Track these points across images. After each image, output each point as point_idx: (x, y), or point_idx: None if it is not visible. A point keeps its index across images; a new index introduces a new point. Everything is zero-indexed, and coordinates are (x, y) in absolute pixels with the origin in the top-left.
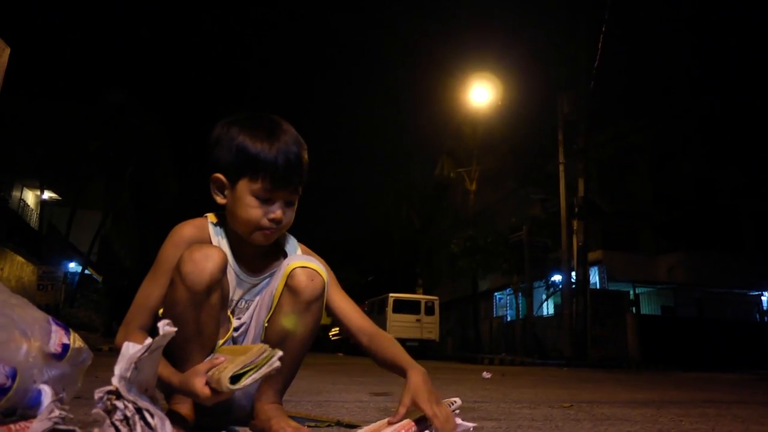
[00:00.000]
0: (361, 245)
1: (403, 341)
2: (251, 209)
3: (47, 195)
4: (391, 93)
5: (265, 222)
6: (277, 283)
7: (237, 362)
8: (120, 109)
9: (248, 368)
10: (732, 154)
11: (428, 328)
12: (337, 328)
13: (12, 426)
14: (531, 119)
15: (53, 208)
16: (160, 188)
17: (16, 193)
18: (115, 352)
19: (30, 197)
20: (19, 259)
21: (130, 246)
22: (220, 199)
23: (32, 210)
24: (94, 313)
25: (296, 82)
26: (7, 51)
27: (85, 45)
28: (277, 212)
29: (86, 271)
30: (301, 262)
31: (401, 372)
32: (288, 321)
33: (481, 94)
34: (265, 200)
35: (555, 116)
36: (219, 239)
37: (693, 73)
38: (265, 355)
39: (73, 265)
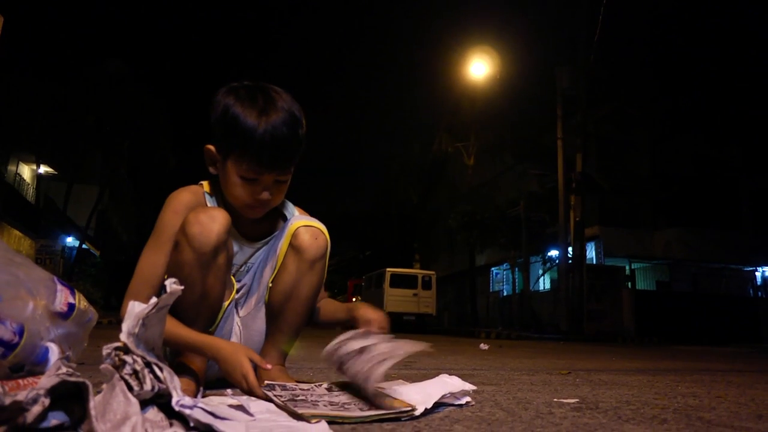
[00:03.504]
0: (358, 220)
1: (400, 315)
2: (237, 188)
3: (43, 169)
4: (389, 67)
5: (251, 201)
6: (281, 243)
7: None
8: (117, 81)
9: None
10: (731, 131)
11: (425, 302)
12: None
13: (21, 381)
14: (529, 94)
15: (50, 182)
16: (158, 162)
17: (11, 168)
18: (115, 324)
19: (26, 171)
20: (16, 233)
21: (127, 221)
22: (212, 170)
23: (28, 184)
24: (93, 287)
25: (293, 56)
26: (0, 20)
27: (82, 16)
28: (263, 194)
29: (84, 246)
30: (304, 221)
31: (346, 311)
32: (292, 280)
33: (479, 68)
34: (252, 180)
35: (554, 91)
36: (215, 206)
37: (695, 48)
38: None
39: (70, 240)
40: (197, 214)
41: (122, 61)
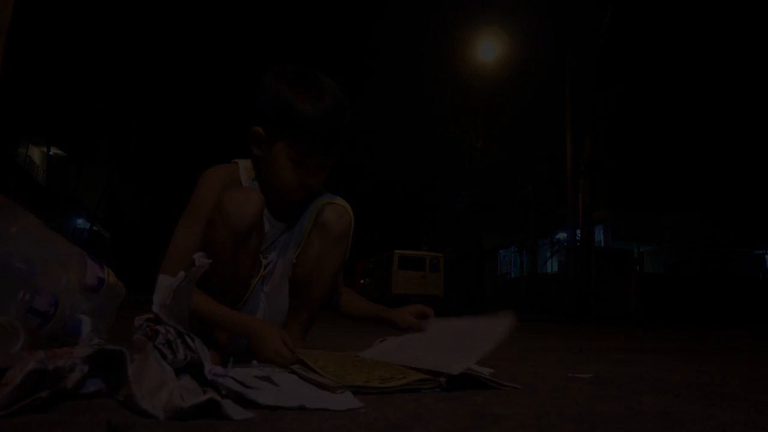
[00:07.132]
0: (366, 202)
1: (407, 297)
2: (285, 171)
3: (53, 151)
4: (398, 48)
5: (296, 184)
6: (306, 220)
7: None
8: (128, 63)
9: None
10: (742, 113)
11: (433, 284)
12: None
13: (57, 350)
14: (539, 76)
15: (60, 164)
16: (167, 145)
17: (21, 150)
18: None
19: (36, 153)
20: None
21: (135, 203)
22: (257, 151)
23: (38, 166)
24: None
25: (301, 35)
26: (11, 2)
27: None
28: (309, 178)
29: (94, 228)
30: (330, 199)
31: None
32: (316, 257)
33: (488, 49)
34: (300, 164)
35: (563, 73)
36: (250, 185)
37: (705, 29)
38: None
39: (80, 222)
40: (233, 193)
41: (134, 41)
